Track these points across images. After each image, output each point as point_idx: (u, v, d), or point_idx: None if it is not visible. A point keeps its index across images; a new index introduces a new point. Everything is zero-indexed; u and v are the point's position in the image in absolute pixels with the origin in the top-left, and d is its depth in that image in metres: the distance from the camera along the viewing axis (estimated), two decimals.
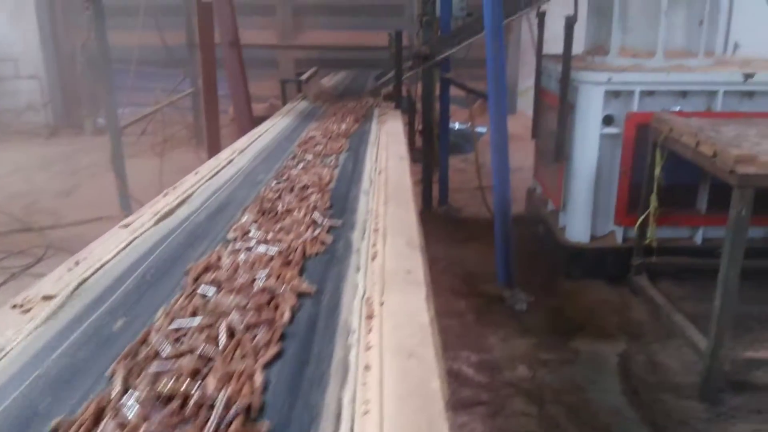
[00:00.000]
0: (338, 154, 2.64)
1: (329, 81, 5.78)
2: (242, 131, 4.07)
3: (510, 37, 9.56)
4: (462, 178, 6.87)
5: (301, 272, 1.37)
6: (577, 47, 4.57)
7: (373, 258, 1.35)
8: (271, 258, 1.43)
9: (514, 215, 5.56)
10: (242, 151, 2.71)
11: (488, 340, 3.53)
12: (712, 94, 3.93)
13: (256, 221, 1.72)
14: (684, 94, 3.95)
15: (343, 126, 3.29)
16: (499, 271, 4.05)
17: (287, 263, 1.40)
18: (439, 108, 5.43)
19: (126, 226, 1.67)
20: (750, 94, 3.95)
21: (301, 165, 2.43)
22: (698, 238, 4.19)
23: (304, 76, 4.48)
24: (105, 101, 5.06)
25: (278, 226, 1.66)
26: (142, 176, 5.57)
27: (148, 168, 6.45)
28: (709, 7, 4.14)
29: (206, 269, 1.38)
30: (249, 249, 1.49)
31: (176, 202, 1.91)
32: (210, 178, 2.25)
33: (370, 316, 1.07)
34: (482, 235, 4.97)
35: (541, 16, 4.49)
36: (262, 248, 1.48)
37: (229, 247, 1.52)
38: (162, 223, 1.74)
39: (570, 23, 3.89)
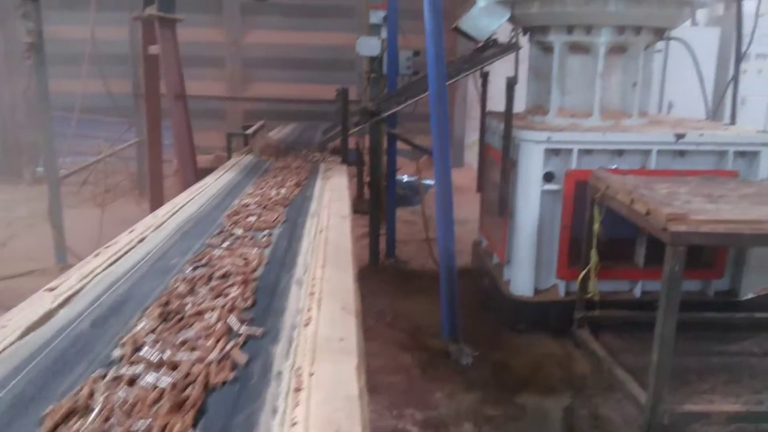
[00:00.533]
0: (273, 228, 2.35)
1: (277, 134, 5.80)
2: (186, 184, 4.01)
3: (457, 92, 9.85)
4: (410, 230, 6.92)
5: (195, 422, 1.04)
6: (520, 106, 4.74)
7: (306, 324, 1.33)
8: (161, 394, 1.10)
9: (461, 267, 5.62)
10: (158, 228, 2.31)
11: (434, 396, 3.49)
12: (646, 152, 4.10)
13: (154, 330, 1.39)
14: (620, 152, 4.11)
15: (283, 191, 3.02)
16: (444, 325, 4.04)
17: (180, 404, 1.07)
18: (386, 161, 5.49)
19: (51, 290, 1.59)
20: (682, 153, 4.14)
21: (226, 243, 2.11)
22: (637, 291, 4.29)
23: (250, 130, 4.47)
24: (44, 150, 4.93)
25: (181, 337, 1.33)
26: (81, 228, 5.40)
27: (88, 219, 6.26)
28: (642, 71, 4.36)
29: (69, 414, 1.05)
30: (134, 380, 1.17)
31: (56, 303, 1.54)
32: (113, 263, 1.89)
33: (298, 389, 1.04)
34: (429, 287, 4.97)
35: (485, 76, 4.64)
36: (151, 378, 1.16)
37: (110, 375, 1.19)
38: (31, 336, 1.37)
39: (511, 84, 4.02)
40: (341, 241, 1.98)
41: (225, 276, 1.73)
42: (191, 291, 1.63)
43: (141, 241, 2.13)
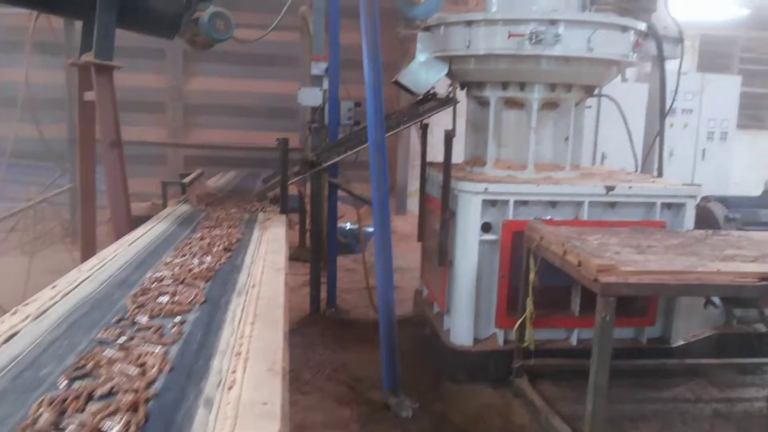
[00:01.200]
0: (187, 313, 1.94)
1: (216, 181, 5.73)
2: (118, 234, 3.90)
3: (400, 141, 10.01)
4: (352, 279, 6.88)
5: None
6: (460, 157, 4.85)
7: (230, 388, 1.28)
8: None
9: (403, 316, 5.62)
10: (37, 318, 1.84)
11: None
12: (579, 204, 4.24)
13: None
14: (554, 204, 4.23)
15: (208, 259, 2.61)
16: (384, 377, 3.99)
17: None
18: (327, 210, 5.49)
19: None
20: (612, 205, 4.30)
21: (123, 338, 1.68)
22: (573, 339, 4.37)
23: (187, 179, 4.40)
24: None
25: None
26: (6, 276, 5.14)
27: (15, 268, 5.98)
28: (574, 126, 4.54)
29: None
30: None
31: None
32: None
33: None
34: (370, 337, 4.92)
35: (425, 128, 4.73)
36: None
37: None
38: None
39: (449, 137, 4.12)
40: (274, 296, 1.94)
41: (110, 393, 1.36)
42: (54, 426, 1.22)
43: (12, 337, 1.68)
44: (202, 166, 7.88)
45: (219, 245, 2.89)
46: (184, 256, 2.69)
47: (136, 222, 4.06)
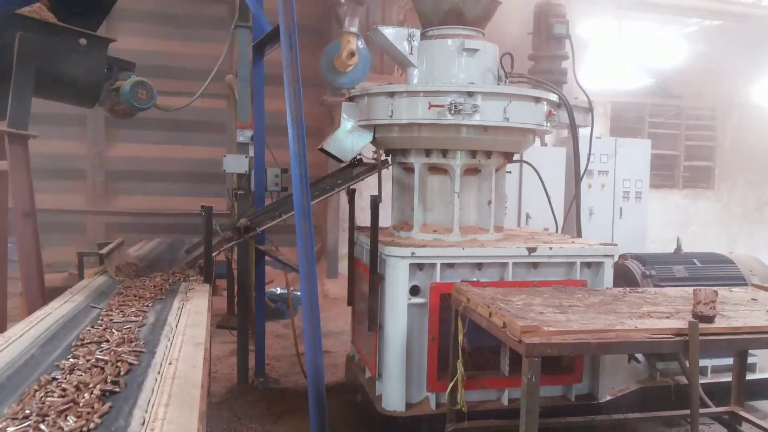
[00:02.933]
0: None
1: (138, 249, 5.55)
2: (30, 308, 3.70)
3: (330, 204, 10.04)
4: (282, 344, 6.74)
5: None
6: (388, 220, 4.91)
7: None
8: None
9: (335, 383, 5.50)
10: None
11: None
12: (503, 265, 4.34)
13: None
14: (480, 265, 4.32)
15: (117, 339, 2.30)
16: None
17: None
18: (255, 277, 5.40)
19: None
20: (535, 265, 4.42)
21: None
22: (505, 399, 4.38)
23: (105, 249, 4.25)
24: None
25: None
26: None
27: None
28: (495, 190, 4.69)
29: None
30: None
31: None
32: None
33: None
34: (300, 407, 4.79)
35: (352, 193, 4.78)
36: None
37: None
38: None
39: (375, 203, 4.17)
40: (191, 374, 1.86)
41: None
42: None
43: None
44: (124, 234, 7.65)
45: (132, 324, 2.70)
46: (91, 339, 2.45)
47: (50, 294, 3.88)
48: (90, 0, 4.33)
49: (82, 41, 4.13)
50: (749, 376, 4.72)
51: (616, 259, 4.65)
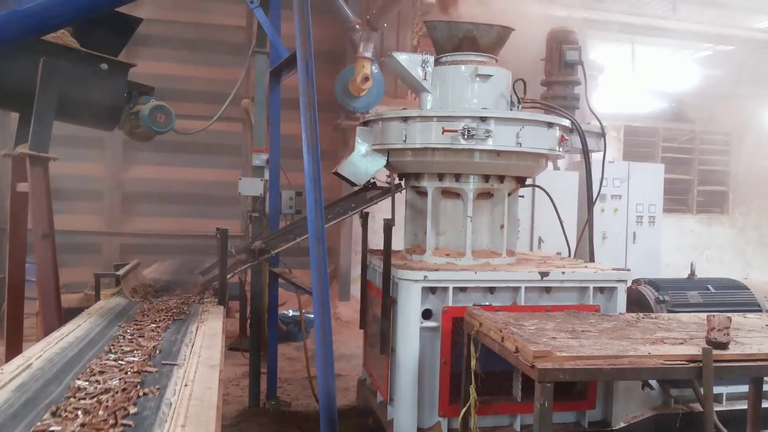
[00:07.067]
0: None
1: (154, 270, 5.60)
2: (48, 328, 3.75)
3: (343, 227, 10.08)
4: (293, 368, 6.74)
5: None
6: (401, 243, 4.93)
7: None
8: None
9: (347, 406, 5.49)
10: None
11: None
12: (516, 290, 4.33)
13: None
14: (492, 290, 4.32)
15: (135, 360, 2.29)
16: None
17: None
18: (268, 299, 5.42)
19: None
20: (547, 290, 4.41)
21: None
22: (517, 425, 4.34)
23: (121, 271, 4.30)
24: None
25: None
26: None
27: None
28: (508, 214, 4.71)
29: None
30: None
31: None
32: None
33: None
34: (312, 431, 4.78)
35: (365, 217, 4.81)
36: None
37: None
38: None
39: (388, 227, 4.20)
40: (206, 395, 1.88)
41: None
42: None
43: None
44: (140, 255, 7.70)
45: (148, 345, 2.71)
46: (108, 360, 2.47)
47: (66, 314, 3.92)
48: (112, 26, 4.45)
49: (104, 66, 4.24)
50: (765, 404, 4.65)
51: (629, 284, 4.63)
